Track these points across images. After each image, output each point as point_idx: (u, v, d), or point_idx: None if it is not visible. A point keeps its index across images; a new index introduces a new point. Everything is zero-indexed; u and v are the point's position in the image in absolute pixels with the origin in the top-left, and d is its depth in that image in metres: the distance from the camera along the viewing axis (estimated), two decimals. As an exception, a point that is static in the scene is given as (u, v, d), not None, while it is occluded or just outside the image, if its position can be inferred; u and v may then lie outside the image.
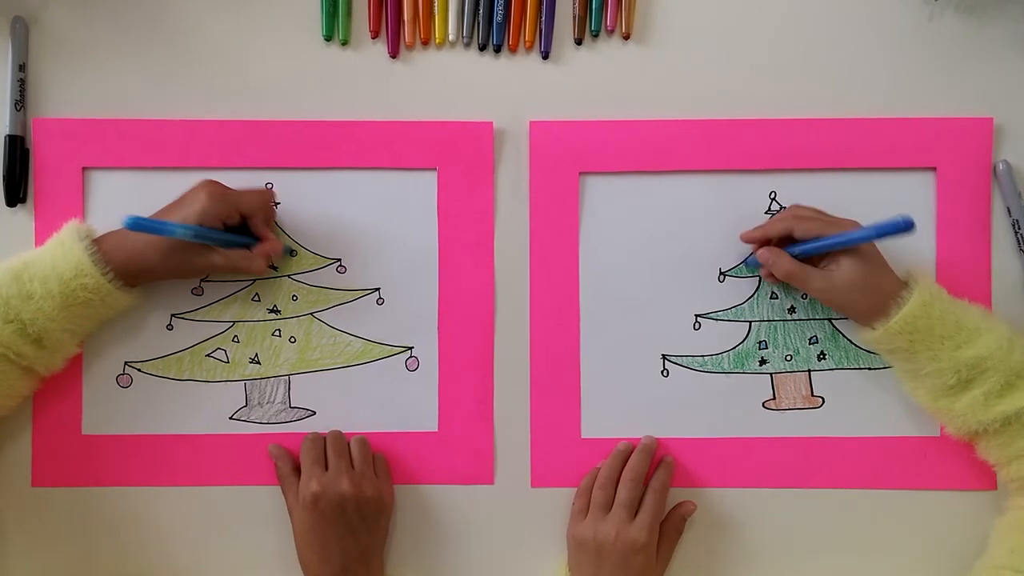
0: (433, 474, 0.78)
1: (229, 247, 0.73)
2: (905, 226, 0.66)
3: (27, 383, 0.73)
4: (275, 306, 0.79)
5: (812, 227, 0.72)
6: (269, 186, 0.78)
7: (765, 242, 0.75)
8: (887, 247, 0.76)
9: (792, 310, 0.79)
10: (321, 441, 0.76)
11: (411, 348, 0.79)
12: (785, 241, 0.74)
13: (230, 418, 0.78)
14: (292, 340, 0.78)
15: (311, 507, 0.73)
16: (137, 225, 0.67)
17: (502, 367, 0.78)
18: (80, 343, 0.75)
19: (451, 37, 0.79)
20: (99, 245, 0.71)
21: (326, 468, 0.74)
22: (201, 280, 0.78)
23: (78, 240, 0.71)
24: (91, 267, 0.70)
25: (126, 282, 0.72)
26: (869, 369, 0.78)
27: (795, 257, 0.73)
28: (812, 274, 0.73)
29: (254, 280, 0.79)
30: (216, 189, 0.72)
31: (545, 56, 0.79)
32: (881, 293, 0.71)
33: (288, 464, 0.76)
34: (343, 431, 0.78)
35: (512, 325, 0.79)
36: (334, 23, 0.79)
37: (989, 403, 0.71)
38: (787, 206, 0.78)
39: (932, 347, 0.71)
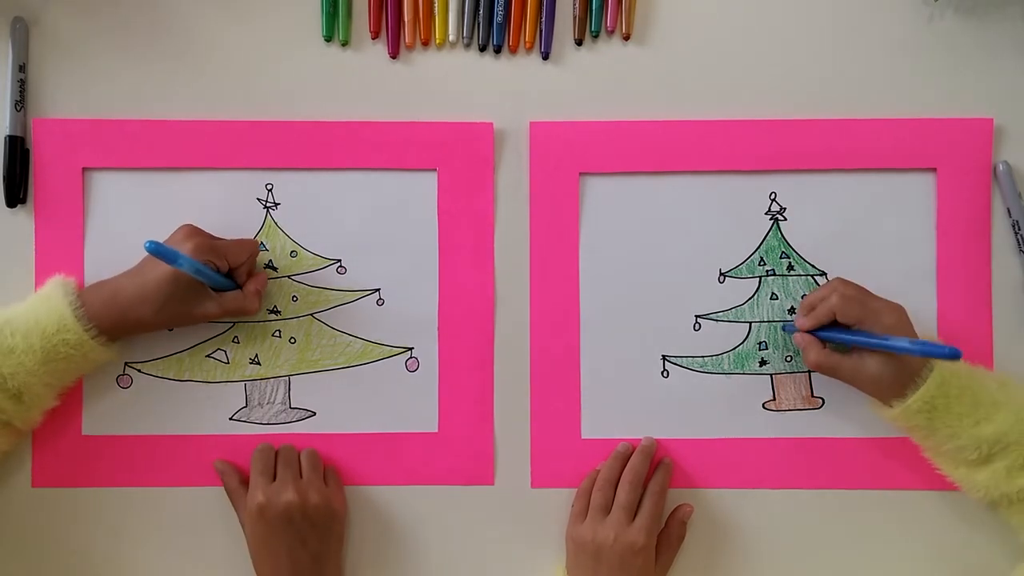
0: (433, 474, 0.78)
1: (219, 288, 0.73)
2: (951, 356, 0.65)
3: (5, 439, 0.73)
4: (275, 307, 0.79)
5: (853, 313, 0.71)
6: (260, 245, 0.78)
7: (817, 324, 0.73)
8: (886, 253, 0.76)
9: (792, 310, 0.79)
10: (270, 452, 0.76)
11: (411, 348, 0.79)
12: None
13: (230, 419, 0.78)
14: (292, 341, 0.78)
15: (258, 518, 0.73)
16: (156, 250, 0.66)
17: (502, 367, 0.78)
18: (58, 396, 0.74)
19: (451, 37, 0.79)
20: (84, 300, 0.71)
21: (275, 479, 0.74)
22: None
23: (63, 295, 0.71)
24: (74, 323, 0.70)
25: (109, 336, 0.72)
26: (869, 369, 0.78)
27: (834, 343, 0.73)
28: (840, 365, 0.72)
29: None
30: (202, 241, 0.72)
31: (545, 56, 0.79)
32: (903, 375, 0.70)
33: (235, 478, 0.76)
34: (343, 432, 0.78)
35: (512, 325, 0.79)
36: (334, 23, 0.79)
37: (1012, 476, 0.70)
38: (784, 205, 0.78)
39: (951, 424, 0.70)
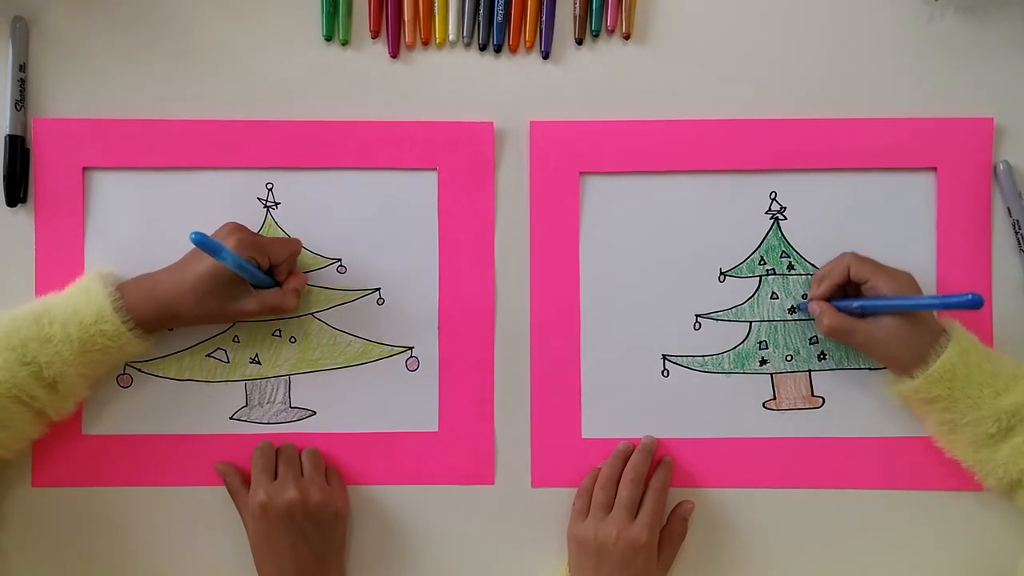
0: (433, 474, 0.78)
1: (260, 285, 0.73)
2: (974, 304, 0.65)
3: (37, 427, 0.73)
4: (275, 306, 0.79)
5: (866, 269, 0.72)
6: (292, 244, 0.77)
7: (831, 289, 0.74)
8: (886, 253, 0.76)
9: (792, 310, 0.79)
10: (271, 451, 0.76)
11: (411, 348, 0.79)
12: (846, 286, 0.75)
13: (230, 418, 0.78)
14: (292, 340, 0.78)
15: (260, 516, 0.72)
16: (201, 242, 0.65)
17: (502, 367, 0.78)
18: (91, 387, 0.75)
19: (451, 37, 0.79)
20: (122, 292, 0.71)
21: (276, 478, 0.74)
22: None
23: (102, 287, 0.71)
24: (112, 314, 0.70)
25: (146, 329, 0.72)
26: (869, 369, 0.78)
27: (851, 312, 0.73)
28: (855, 327, 0.73)
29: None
30: (245, 236, 0.72)
31: (545, 56, 0.79)
32: (921, 342, 0.71)
33: (236, 479, 0.76)
34: (343, 431, 0.78)
35: (512, 325, 0.78)
36: (334, 23, 0.79)
37: None
38: (784, 205, 0.78)
39: (971, 395, 0.70)
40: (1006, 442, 0.71)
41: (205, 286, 0.71)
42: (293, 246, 0.76)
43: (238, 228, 0.73)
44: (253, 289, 0.73)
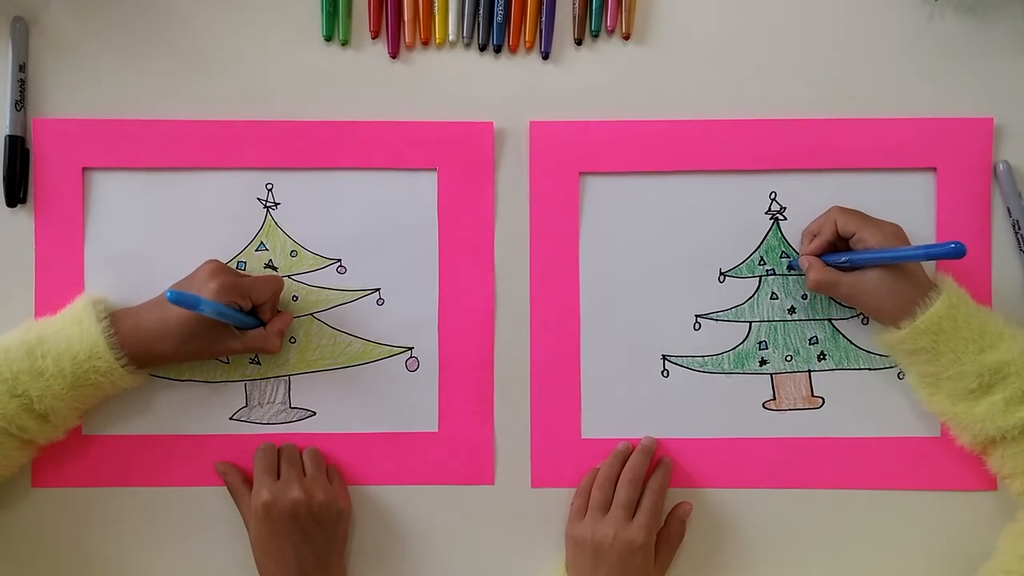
0: (433, 474, 0.78)
1: (243, 327, 0.73)
2: (956, 253, 0.65)
3: (26, 453, 0.73)
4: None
5: (854, 222, 0.72)
6: (272, 271, 0.76)
7: (822, 246, 0.74)
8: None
9: (792, 310, 0.79)
10: (273, 451, 0.76)
11: (411, 348, 0.79)
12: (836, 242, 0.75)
13: (230, 418, 0.78)
14: (292, 340, 0.78)
15: (263, 516, 0.72)
16: (177, 300, 0.64)
17: (502, 367, 0.78)
18: (82, 416, 0.75)
19: (451, 37, 0.79)
20: (115, 326, 0.71)
21: (278, 478, 0.74)
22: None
23: (96, 321, 0.70)
24: (106, 351, 0.70)
25: (138, 365, 0.72)
26: (869, 369, 0.78)
27: (838, 265, 0.73)
28: (841, 280, 0.73)
29: (254, 280, 0.78)
30: (227, 280, 0.71)
31: (545, 56, 0.79)
32: (907, 294, 0.71)
33: (238, 478, 0.76)
34: (343, 431, 0.78)
35: (512, 325, 0.79)
36: (334, 23, 0.79)
37: (1010, 409, 0.70)
38: (784, 205, 0.78)
39: (956, 349, 0.70)
40: (986, 398, 0.71)
41: (187, 329, 0.71)
42: (275, 284, 0.75)
43: (219, 270, 0.72)
44: (236, 330, 0.73)
